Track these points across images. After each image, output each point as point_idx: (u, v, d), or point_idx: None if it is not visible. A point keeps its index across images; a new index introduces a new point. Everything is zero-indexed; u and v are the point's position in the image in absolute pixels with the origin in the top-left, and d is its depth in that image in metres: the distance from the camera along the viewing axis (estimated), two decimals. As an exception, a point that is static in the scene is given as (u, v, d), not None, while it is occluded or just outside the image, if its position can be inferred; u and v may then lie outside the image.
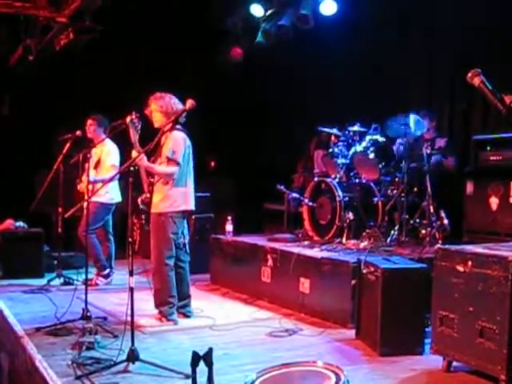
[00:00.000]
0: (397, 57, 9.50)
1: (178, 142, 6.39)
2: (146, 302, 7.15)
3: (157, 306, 6.50)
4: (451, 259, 4.90)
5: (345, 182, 8.22)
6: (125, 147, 7.79)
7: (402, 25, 9.50)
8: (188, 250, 6.72)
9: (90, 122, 8.46)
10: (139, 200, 6.36)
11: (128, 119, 6.12)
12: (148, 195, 6.39)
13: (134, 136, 6.21)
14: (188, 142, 6.54)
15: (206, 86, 11.13)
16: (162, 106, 6.46)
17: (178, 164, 6.35)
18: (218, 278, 8.67)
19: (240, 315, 6.93)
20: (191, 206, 6.59)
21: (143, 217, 6.68)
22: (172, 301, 6.47)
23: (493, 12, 7.99)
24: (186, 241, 6.70)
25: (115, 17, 10.17)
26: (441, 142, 8.35)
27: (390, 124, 7.84)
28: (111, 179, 7.87)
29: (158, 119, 6.51)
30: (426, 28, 9.18)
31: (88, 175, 6.83)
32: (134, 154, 6.22)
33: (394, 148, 8.31)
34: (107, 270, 8.55)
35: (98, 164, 8.39)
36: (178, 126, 6.51)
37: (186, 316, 6.72)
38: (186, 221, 6.68)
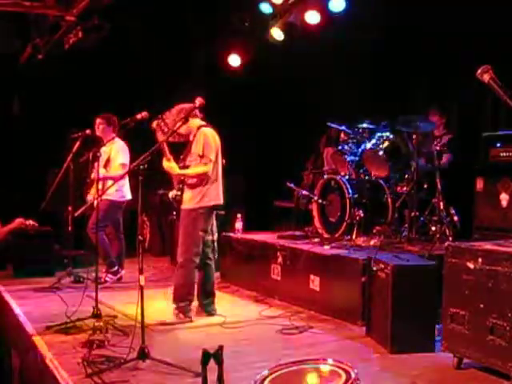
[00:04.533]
0: (406, 54, 9.46)
1: (206, 139, 6.38)
2: (156, 300, 7.19)
3: (175, 300, 6.50)
4: (461, 256, 4.88)
5: (354, 179, 8.21)
6: (134, 145, 7.83)
7: (412, 22, 9.45)
8: (216, 248, 6.71)
9: (98, 120, 8.46)
10: (170, 197, 6.38)
11: (154, 123, 6.06)
12: (179, 193, 6.42)
13: (162, 140, 6.12)
14: (217, 138, 6.54)
15: (215, 84, 11.12)
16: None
17: (210, 161, 6.35)
18: (228, 275, 8.67)
19: (250, 313, 6.93)
20: (221, 199, 6.58)
21: (174, 213, 6.68)
22: (191, 298, 6.51)
23: (504, 12, 7.96)
24: (215, 238, 6.69)
25: (125, 14, 10.18)
26: (445, 139, 8.34)
27: (399, 121, 7.82)
28: (121, 177, 7.89)
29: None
30: (436, 26, 9.14)
31: (98, 175, 6.85)
32: (166, 163, 6.26)
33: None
34: (116, 267, 8.56)
35: (107, 163, 8.40)
36: (201, 123, 6.53)
37: (211, 314, 6.72)
38: (214, 216, 6.66)
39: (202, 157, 6.35)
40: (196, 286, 6.68)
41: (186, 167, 6.43)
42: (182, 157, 6.47)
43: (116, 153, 8.43)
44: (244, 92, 11.83)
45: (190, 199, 6.44)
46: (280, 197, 10.81)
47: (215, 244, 6.72)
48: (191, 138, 6.45)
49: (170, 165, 6.36)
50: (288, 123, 11.86)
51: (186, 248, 6.44)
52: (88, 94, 11.09)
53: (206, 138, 6.38)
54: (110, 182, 8.05)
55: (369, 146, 8.13)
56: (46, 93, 11.35)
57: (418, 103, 9.13)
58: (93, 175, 7.32)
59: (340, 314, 6.59)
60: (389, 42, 9.54)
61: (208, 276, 6.72)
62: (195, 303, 6.74)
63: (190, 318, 6.50)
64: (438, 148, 7.83)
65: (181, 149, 6.55)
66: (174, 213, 6.67)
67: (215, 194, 6.49)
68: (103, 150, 8.21)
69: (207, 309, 6.74)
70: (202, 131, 6.43)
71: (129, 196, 8.61)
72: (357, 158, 8.26)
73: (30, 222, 9.32)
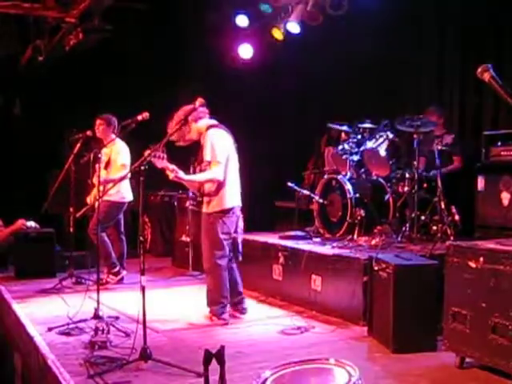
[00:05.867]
0: (407, 53, 9.47)
1: (213, 142, 6.29)
2: (157, 301, 7.20)
3: (208, 304, 6.48)
4: (463, 255, 4.88)
5: (355, 178, 8.21)
6: (135, 146, 7.83)
7: (414, 21, 9.46)
8: (240, 249, 6.66)
9: (98, 121, 8.46)
10: (188, 205, 6.31)
11: (146, 154, 5.86)
12: (199, 198, 6.42)
13: (161, 164, 6.00)
14: (226, 137, 6.47)
15: (216, 83, 11.12)
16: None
17: (219, 163, 6.26)
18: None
19: (252, 313, 6.91)
20: (238, 201, 6.50)
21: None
22: (223, 301, 6.42)
23: (505, 9, 7.96)
24: (240, 239, 6.63)
25: (125, 15, 10.19)
26: (448, 139, 8.33)
27: (401, 120, 7.82)
28: (122, 178, 7.90)
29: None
30: (437, 24, 9.15)
31: (99, 177, 6.85)
32: (170, 175, 6.19)
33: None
34: (117, 268, 8.55)
35: (108, 164, 8.40)
36: (213, 123, 6.49)
37: (242, 313, 6.70)
38: (239, 218, 6.58)
39: (210, 162, 6.28)
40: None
41: (202, 171, 6.37)
42: (197, 161, 6.44)
43: (116, 154, 8.43)
44: (244, 92, 11.83)
45: (207, 203, 6.40)
46: (281, 197, 10.81)
47: (239, 246, 6.63)
48: (202, 140, 6.40)
49: (176, 175, 6.22)
50: (289, 123, 11.87)
51: (209, 253, 6.39)
52: (88, 96, 11.10)
53: (213, 141, 6.29)
54: (111, 183, 8.06)
55: (369, 145, 8.12)
56: (46, 94, 11.36)
57: (418, 103, 9.12)
58: (94, 179, 7.30)
59: (342, 313, 6.58)
60: (389, 42, 9.54)
61: (233, 276, 6.64)
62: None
63: (225, 320, 6.42)
64: (439, 147, 7.81)
65: (195, 151, 6.52)
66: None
67: (232, 196, 6.40)
68: (104, 151, 8.21)
69: (237, 308, 6.70)
70: (208, 134, 6.34)
71: (129, 197, 8.60)
72: (358, 158, 8.26)
73: (32, 223, 9.34)
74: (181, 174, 6.23)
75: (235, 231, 6.54)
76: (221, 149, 6.30)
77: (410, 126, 7.73)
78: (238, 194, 6.53)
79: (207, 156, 6.28)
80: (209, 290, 6.48)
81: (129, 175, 7.93)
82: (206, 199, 6.41)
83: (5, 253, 9.33)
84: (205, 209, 6.44)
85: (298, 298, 7.25)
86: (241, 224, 6.60)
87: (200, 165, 6.40)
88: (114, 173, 8.31)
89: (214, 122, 6.54)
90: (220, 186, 6.32)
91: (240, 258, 6.68)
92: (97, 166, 6.77)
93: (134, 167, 5.42)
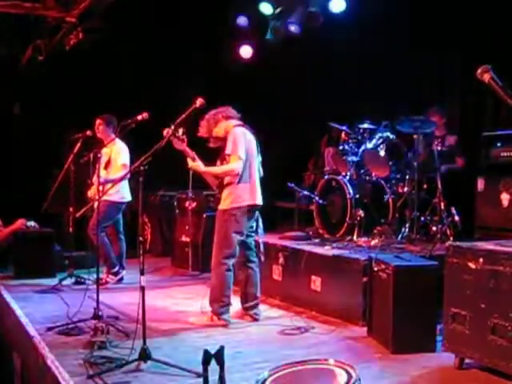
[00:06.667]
0: (408, 54, 9.47)
1: (235, 137, 6.33)
2: (157, 301, 7.19)
3: (210, 303, 6.45)
4: (463, 256, 4.88)
5: (355, 179, 8.21)
6: (135, 146, 7.83)
7: (414, 22, 9.45)
8: (262, 250, 6.67)
9: (98, 121, 8.47)
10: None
11: (165, 133, 5.90)
12: (218, 195, 6.44)
13: (180, 146, 6.07)
14: (249, 136, 6.49)
15: (215, 84, 11.12)
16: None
17: (239, 158, 6.28)
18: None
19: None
20: (258, 200, 6.47)
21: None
22: (224, 300, 6.39)
23: (505, 11, 7.96)
24: (260, 240, 6.62)
25: (126, 15, 10.18)
26: (451, 140, 8.33)
27: (400, 121, 7.82)
28: (122, 178, 7.90)
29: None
30: (438, 25, 9.14)
31: (98, 176, 6.85)
32: (190, 163, 6.27)
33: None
34: (116, 268, 8.56)
35: (108, 164, 8.40)
36: (236, 123, 6.54)
37: (254, 319, 6.62)
38: (258, 218, 6.58)
39: (230, 155, 6.31)
40: (239, 289, 6.68)
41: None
42: (218, 162, 6.44)
43: (117, 154, 8.43)
44: (244, 92, 11.83)
45: (223, 200, 6.39)
46: (281, 197, 10.80)
47: (260, 246, 6.64)
48: (227, 137, 6.42)
49: (195, 164, 6.31)
50: (289, 123, 11.85)
51: (217, 250, 6.38)
52: (89, 95, 11.09)
53: (235, 137, 6.33)
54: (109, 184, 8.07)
55: (370, 146, 8.12)
56: (46, 94, 11.35)
57: (418, 103, 9.12)
58: (94, 179, 7.32)
59: (341, 314, 6.58)
60: (389, 41, 9.54)
61: (250, 279, 6.64)
62: (237, 306, 6.70)
63: (225, 320, 6.39)
64: (439, 148, 7.81)
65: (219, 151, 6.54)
66: None
67: (249, 195, 6.37)
68: (104, 151, 8.22)
69: (250, 312, 6.65)
70: (231, 131, 6.40)
71: (128, 197, 8.60)
72: (358, 158, 8.25)
73: (32, 223, 9.33)
74: (199, 162, 6.28)
75: (255, 231, 6.54)
76: (242, 144, 6.33)
77: (410, 127, 7.74)
78: (257, 193, 6.49)
79: (228, 149, 6.32)
80: (212, 288, 6.46)
81: (128, 175, 7.93)
82: (223, 195, 6.41)
83: (4, 252, 9.32)
84: (220, 205, 6.44)
85: (298, 298, 7.26)
86: (260, 224, 6.61)
87: (222, 162, 6.42)
88: (113, 173, 8.31)
89: (238, 122, 6.60)
90: (237, 182, 6.32)
91: (262, 259, 6.68)
92: (96, 165, 6.77)
93: (134, 166, 5.41)
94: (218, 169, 6.45)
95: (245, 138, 6.41)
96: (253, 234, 6.59)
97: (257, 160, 6.58)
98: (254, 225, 6.56)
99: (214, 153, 6.68)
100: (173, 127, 5.77)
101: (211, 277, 6.50)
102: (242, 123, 6.60)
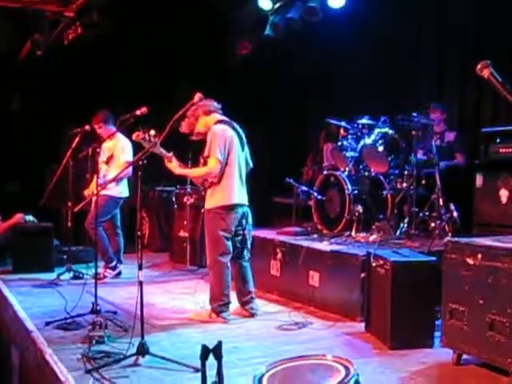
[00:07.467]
0: (407, 49, 9.47)
1: (213, 138, 6.23)
2: (155, 296, 7.19)
3: (210, 301, 6.44)
4: (461, 252, 4.88)
5: (354, 175, 8.21)
6: (134, 141, 7.82)
7: (414, 18, 9.46)
8: (249, 246, 6.62)
9: (97, 126, 8.39)
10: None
11: (134, 136, 5.78)
12: (203, 193, 6.42)
13: (153, 148, 5.76)
14: (230, 133, 6.34)
15: (215, 79, 11.11)
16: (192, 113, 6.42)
17: (217, 160, 6.18)
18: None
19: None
20: (239, 199, 6.40)
21: None
22: (223, 298, 6.37)
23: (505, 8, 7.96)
24: (248, 236, 6.59)
25: (124, 10, 10.16)
26: (450, 136, 8.33)
27: (399, 117, 7.81)
28: (123, 176, 7.92)
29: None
30: (438, 21, 9.14)
31: (97, 172, 6.84)
32: (167, 164, 6.25)
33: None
34: (114, 262, 8.56)
35: (110, 158, 8.39)
36: (219, 118, 6.44)
37: (251, 314, 6.60)
38: (247, 215, 6.54)
39: (208, 157, 6.24)
40: (234, 285, 6.64)
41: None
42: (202, 156, 6.40)
43: (120, 151, 8.40)
44: (243, 88, 11.83)
45: (208, 199, 6.37)
46: (279, 193, 10.80)
47: (247, 243, 6.59)
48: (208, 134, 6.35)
49: (171, 165, 6.29)
50: (287, 119, 11.86)
51: (209, 249, 6.38)
52: (87, 90, 11.08)
53: (213, 137, 6.22)
54: (110, 177, 8.07)
55: (368, 141, 8.11)
56: (45, 89, 11.34)
57: (419, 99, 9.11)
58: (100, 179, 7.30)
59: (339, 309, 6.59)
60: (389, 40, 9.54)
61: (240, 274, 6.62)
62: (235, 303, 6.68)
63: (224, 318, 6.36)
64: (438, 144, 7.81)
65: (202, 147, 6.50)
66: None
67: (232, 193, 6.31)
68: (106, 146, 8.24)
69: (245, 307, 6.63)
70: (211, 130, 6.29)
71: (126, 193, 8.60)
72: (356, 154, 8.25)
73: (30, 217, 9.33)
74: (174, 164, 6.24)
75: (243, 228, 6.51)
76: (221, 145, 6.22)
77: (409, 122, 7.73)
78: (241, 191, 6.44)
79: (206, 151, 6.27)
80: (211, 287, 6.45)
81: (130, 173, 7.93)
82: (207, 195, 6.40)
83: (3, 247, 9.32)
84: (205, 205, 6.42)
85: (296, 293, 7.26)
86: (249, 221, 6.58)
87: (205, 159, 6.39)
88: (115, 169, 8.28)
89: (223, 117, 6.51)
90: (220, 181, 6.27)
91: (249, 256, 6.67)
92: (97, 159, 6.77)
93: (132, 162, 5.41)
94: (194, 171, 6.43)
95: (225, 136, 6.29)
96: (241, 232, 6.54)
97: (242, 155, 6.51)
98: (244, 222, 6.52)
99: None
100: (142, 130, 5.68)
101: (209, 276, 6.49)
102: (222, 118, 6.48)
